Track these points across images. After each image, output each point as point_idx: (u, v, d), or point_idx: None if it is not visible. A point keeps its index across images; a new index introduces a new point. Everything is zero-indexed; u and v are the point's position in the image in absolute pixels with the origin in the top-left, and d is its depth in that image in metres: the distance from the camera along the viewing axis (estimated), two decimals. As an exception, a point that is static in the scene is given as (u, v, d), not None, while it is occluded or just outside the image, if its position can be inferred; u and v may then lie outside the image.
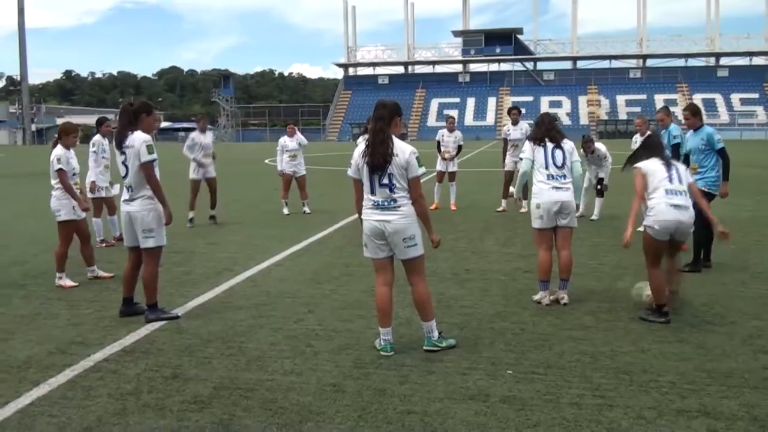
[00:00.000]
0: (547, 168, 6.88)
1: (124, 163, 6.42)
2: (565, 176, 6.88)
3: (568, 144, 6.98)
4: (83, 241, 8.22)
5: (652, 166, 6.45)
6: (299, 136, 14.36)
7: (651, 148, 6.74)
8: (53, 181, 8.04)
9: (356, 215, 5.65)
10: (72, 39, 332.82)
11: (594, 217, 12.84)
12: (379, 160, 5.22)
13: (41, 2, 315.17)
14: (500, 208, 14.31)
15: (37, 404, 4.57)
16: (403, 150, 5.29)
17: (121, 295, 6.72)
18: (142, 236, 6.41)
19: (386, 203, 5.30)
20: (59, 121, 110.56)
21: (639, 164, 6.54)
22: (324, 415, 4.33)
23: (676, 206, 6.20)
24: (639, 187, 6.41)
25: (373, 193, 5.32)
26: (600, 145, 12.85)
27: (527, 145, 7.16)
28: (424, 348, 5.49)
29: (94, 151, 10.24)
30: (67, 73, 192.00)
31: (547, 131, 7.03)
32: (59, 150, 8.06)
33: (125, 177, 6.46)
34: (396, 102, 5.50)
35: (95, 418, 4.33)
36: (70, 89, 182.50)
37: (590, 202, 13.07)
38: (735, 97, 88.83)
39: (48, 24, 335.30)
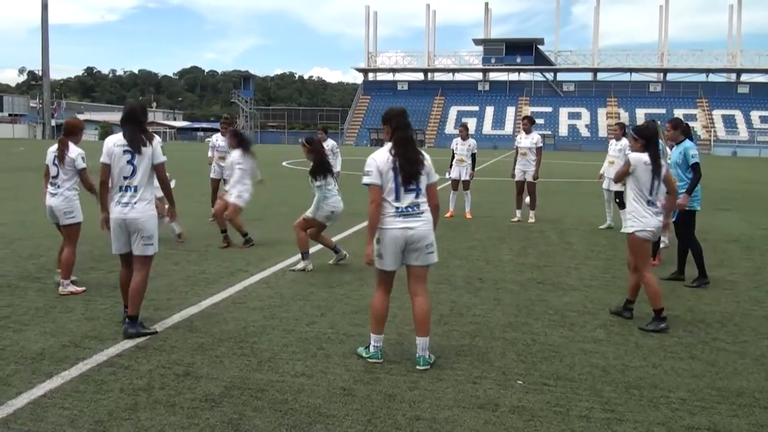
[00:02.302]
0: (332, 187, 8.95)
1: (130, 162, 6.02)
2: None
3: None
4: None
5: None
6: (330, 142, 14.60)
7: None
8: (64, 180, 7.57)
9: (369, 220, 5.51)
10: (94, 36, 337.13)
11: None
12: (417, 168, 5.28)
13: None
14: (515, 219, 14.24)
15: (50, 396, 4.61)
16: (425, 156, 5.39)
17: (125, 310, 6.20)
18: (141, 243, 6.01)
19: (411, 209, 5.28)
20: (79, 117, 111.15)
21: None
22: (333, 418, 4.35)
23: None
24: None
25: (398, 199, 5.28)
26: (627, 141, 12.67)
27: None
28: (418, 368, 5.26)
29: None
30: (89, 70, 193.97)
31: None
32: (78, 148, 7.66)
33: (129, 177, 6.03)
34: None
35: (107, 412, 4.37)
36: (91, 86, 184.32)
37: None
38: (755, 115, 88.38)
39: (71, 20, 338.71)
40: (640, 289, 6.82)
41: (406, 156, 5.27)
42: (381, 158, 5.32)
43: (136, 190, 6.04)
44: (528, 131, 14.32)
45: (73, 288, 7.53)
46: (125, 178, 6.06)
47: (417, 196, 5.30)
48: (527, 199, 14.21)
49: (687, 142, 8.56)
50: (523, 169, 14.18)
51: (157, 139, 6.25)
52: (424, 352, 5.36)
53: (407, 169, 5.25)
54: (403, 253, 5.34)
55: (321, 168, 9.00)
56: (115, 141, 6.14)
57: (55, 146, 7.66)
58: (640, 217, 6.55)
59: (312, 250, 9.18)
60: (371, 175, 5.29)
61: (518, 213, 14.37)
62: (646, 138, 6.63)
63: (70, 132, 7.73)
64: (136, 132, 6.10)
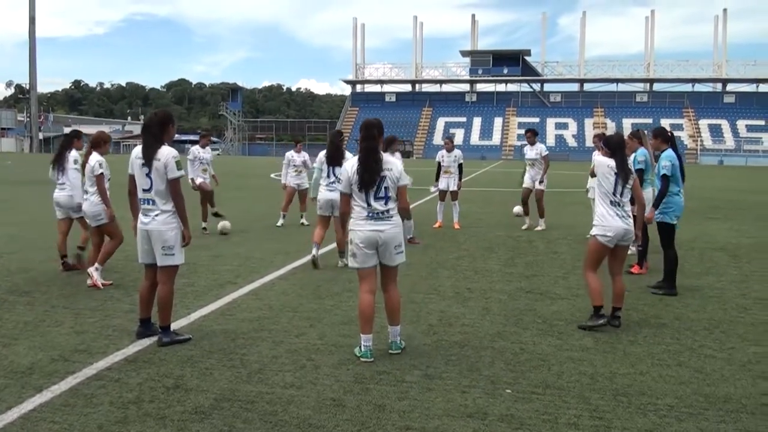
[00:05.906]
0: (328, 177, 9.91)
1: (148, 175, 6.03)
2: (335, 183, 9.68)
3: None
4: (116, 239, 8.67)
5: None
6: (305, 155, 15.18)
7: None
8: (89, 186, 8.56)
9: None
10: (82, 49, 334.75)
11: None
12: (373, 177, 5.68)
13: (52, 12, 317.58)
14: (524, 226, 14.77)
15: (40, 410, 4.61)
16: (395, 164, 5.83)
17: (140, 320, 6.39)
18: (161, 253, 6.05)
19: (380, 214, 5.71)
20: (66, 130, 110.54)
21: None
22: (323, 429, 4.36)
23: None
24: None
25: (368, 204, 5.71)
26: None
27: (319, 160, 10.03)
28: (391, 352, 5.86)
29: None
30: (76, 83, 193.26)
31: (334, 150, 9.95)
32: (99, 156, 8.52)
33: (147, 190, 6.06)
34: (380, 120, 6.05)
35: (96, 425, 4.37)
36: (78, 99, 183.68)
37: None
38: (741, 124, 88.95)
39: (58, 34, 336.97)
40: (624, 295, 7.07)
41: (365, 165, 5.69)
42: (350, 168, 5.79)
43: (154, 203, 6.07)
44: (533, 143, 14.88)
45: (96, 278, 8.31)
46: (144, 190, 6.11)
47: (386, 203, 5.74)
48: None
49: (665, 152, 8.55)
50: (533, 178, 14.84)
51: (173, 152, 6.08)
52: (395, 337, 5.94)
53: (364, 178, 5.68)
54: (377, 253, 5.77)
55: (330, 156, 9.97)
56: (137, 153, 6.16)
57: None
58: (603, 220, 6.84)
59: (324, 250, 9.74)
60: (342, 183, 5.86)
61: (527, 220, 14.96)
62: (610, 147, 6.96)
63: (95, 144, 8.69)
64: (149, 144, 6.08)
